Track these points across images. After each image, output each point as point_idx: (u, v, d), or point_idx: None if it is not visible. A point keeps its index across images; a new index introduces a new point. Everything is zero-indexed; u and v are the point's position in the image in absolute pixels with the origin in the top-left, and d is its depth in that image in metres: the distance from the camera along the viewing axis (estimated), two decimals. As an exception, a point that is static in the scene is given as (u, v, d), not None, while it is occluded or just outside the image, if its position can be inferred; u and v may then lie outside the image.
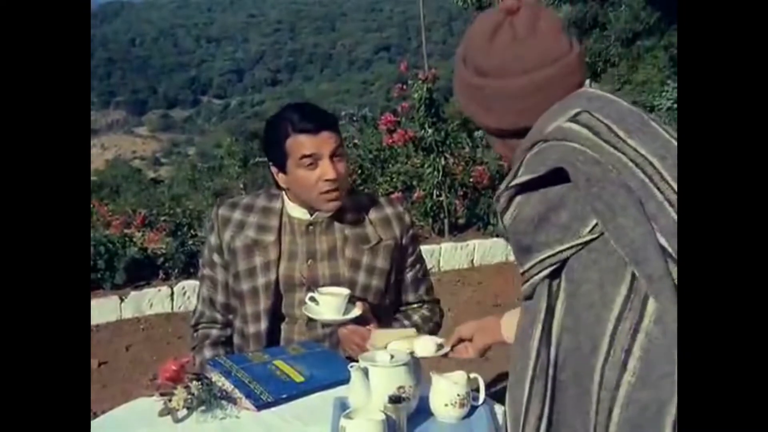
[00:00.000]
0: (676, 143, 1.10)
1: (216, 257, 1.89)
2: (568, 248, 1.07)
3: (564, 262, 1.09)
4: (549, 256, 1.09)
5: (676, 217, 1.04)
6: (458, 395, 1.48)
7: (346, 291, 1.75)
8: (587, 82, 1.22)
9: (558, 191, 1.10)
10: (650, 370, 1.01)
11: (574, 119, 1.14)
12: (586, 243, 1.06)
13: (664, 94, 7.58)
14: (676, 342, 0.98)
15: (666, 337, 1.00)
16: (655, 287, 1.01)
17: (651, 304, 1.02)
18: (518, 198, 1.14)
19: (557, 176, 1.10)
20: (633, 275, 1.03)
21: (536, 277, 1.12)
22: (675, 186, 1.05)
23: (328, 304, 1.73)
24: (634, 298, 1.03)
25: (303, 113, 1.77)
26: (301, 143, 1.74)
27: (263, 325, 1.82)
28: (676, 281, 1.02)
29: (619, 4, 9.37)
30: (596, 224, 1.06)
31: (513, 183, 1.14)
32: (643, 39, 9.25)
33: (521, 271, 1.15)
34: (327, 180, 1.75)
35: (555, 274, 1.10)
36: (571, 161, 1.09)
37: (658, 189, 1.06)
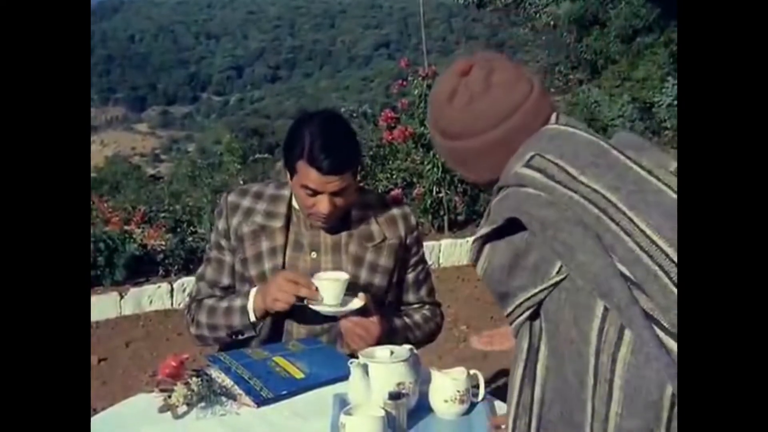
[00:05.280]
0: (636, 168, 1.13)
1: (223, 242, 1.89)
2: (540, 290, 1.10)
3: (541, 303, 1.11)
4: (525, 300, 1.12)
5: (633, 245, 1.06)
6: (458, 391, 1.48)
7: (345, 275, 1.74)
8: (554, 115, 1.24)
9: (523, 237, 1.13)
10: (634, 399, 1.02)
11: (528, 164, 1.16)
12: (557, 283, 1.09)
13: (664, 90, 7.58)
14: (659, 367, 0.99)
15: (646, 365, 1.01)
16: (625, 316, 1.03)
17: (627, 334, 1.03)
18: (486, 249, 1.18)
19: (519, 222, 1.13)
20: (605, 308, 1.05)
21: (519, 320, 1.15)
22: (631, 215, 1.07)
23: (327, 290, 1.72)
24: (609, 328, 1.04)
25: (323, 147, 1.68)
26: (306, 174, 1.70)
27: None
28: (644, 306, 1.03)
29: (619, 0, 9.36)
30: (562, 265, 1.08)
31: (477, 235, 1.18)
32: (643, 36, 9.25)
33: (505, 314, 1.18)
34: (319, 213, 1.75)
35: (536, 315, 1.13)
36: (525, 209, 1.12)
37: (613, 220, 1.08)
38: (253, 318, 1.79)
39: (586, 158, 1.15)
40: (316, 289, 1.70)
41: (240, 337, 1.82)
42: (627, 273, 1.05)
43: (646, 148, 1.21)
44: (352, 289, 1.80)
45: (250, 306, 1.78)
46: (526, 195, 1.14)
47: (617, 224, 1.07)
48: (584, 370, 1.06)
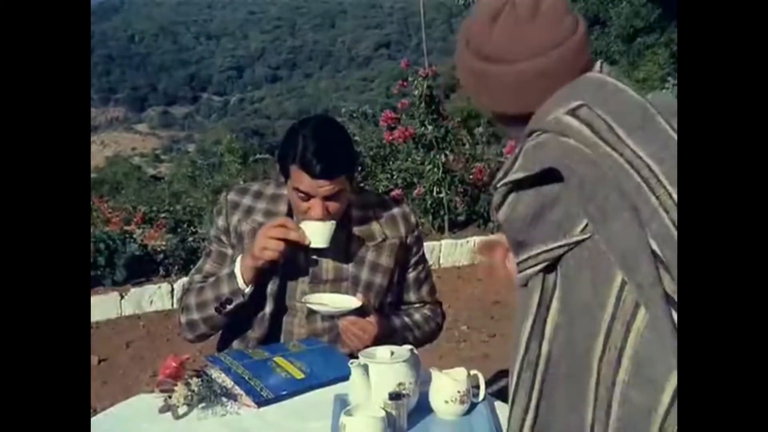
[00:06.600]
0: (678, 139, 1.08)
1: (223, 237, 1.89)
2: (560, 246, 1.07)
3: (558, 258, 1.08)
4: (543, 252, 1.09)
5: (669, 222, 1.02)
6: (458, 392, 1.48)
7: (332, 220, 1.73)
8: (598, 63, 1.18)
9: (552, 189, 1.08)
10: (640, 371, 1.01)
11: (574, 113, 1.10)
12: (579, 242, 1.06)
13: (664, 90, 7.59)
14: (670, 351, 0.98)
15: (658, 344, 1.00)
16: (645, 295, 1.01)
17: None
18: (512, 195, 1.13)
19: (552, 171, 1.08)
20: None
21: (530, 270, 1.11)
22: (671, 190, 1.03)
23: (315, 232, 1.71)
24: (627, 297, 1.02)
25: (316, 150, 1.67)
26: (298, 178, 1.71)
27: (268, 308, 1.82)
28: (667, 287, 1.01)
29: (620, 0, 9.37)
30: (587, 224, 1.05)
31: (506, 180, 1.12)
32: (643, 36, 9.26)
33: (516, 261, 1.14)
34: (312, 218, 1.74)
35: (550, 269, 1.10)
36: (566, 162, 1.07)
37: (654, 193, 1.04)
38: (240, 281, 1.77)
39: (634, 120, 1.09)
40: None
41: (228, 307, 1.79)
42: (657, 250, 1.02)
43: None
44: (352, 288, 1.81)
45: (237, 270, 1.77)
46: (569, 147, 1.08)
47: (657, 197, 1.03)
48: (594, 334, 1.04)
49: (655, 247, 1.02)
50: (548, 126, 1.12)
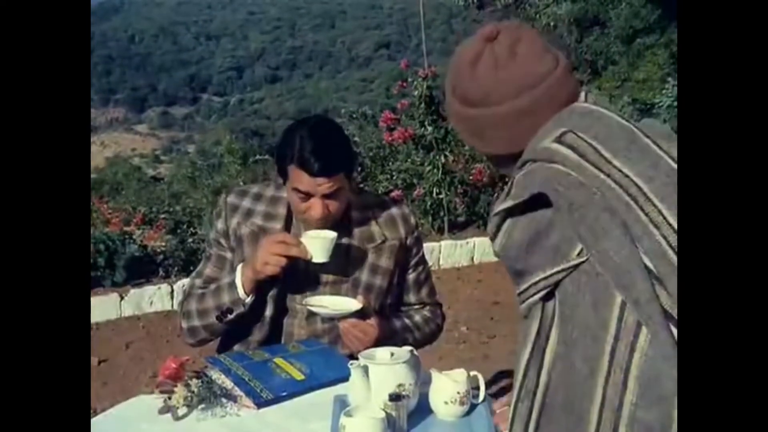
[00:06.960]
0: (667, 158, 1.10)
1: (223, 240, 1.89)
2: (559, 271, 1.08)
3: (557, 284, 1.09)
4: (542, 279, 1.10)
5: (660, 238, 1.04)
6: (458, 393, 1.48)
7: (333, 233, 1.73)
8: (582, 94, 1.21)
9: (545, 214, 1.10)
10: (647, 391, 1.01)
11: (559, 140, 1.13)
12: (577, 266, 1.07)
13: (664, 91, 7.59)
14: (674, 365, 0.98)
15: (661, 360, 1.00)
16: (643, 312, 1.02)
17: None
18: (506, 224, 1.15)
19: (544, 198, 1.10)
20: None
21: (531, 299, 1.12)
22: (661, 207, 1.05)
23: (315, 246, 1.71)
24: (628, 317, 1.03)
25: (313, 149, 1.68)
26: (297, 178, 1.71)
27: (268, 311, 1.82)
28: (664, 303, 1.02)
29: (620, 1, 9.38)
30: (583, 248, 1.06)
31: (499, 209, 1.15)
32: (643, 36, 9.27)
33: (517, 292, 1.16)
34: (312, 217, 1.74)
35: (549, 297, 1.11)
36: (554, 186, 1.09)
37: (643, 210, 1.06)
38: (241, 292, 1.77)
39: (619, 142, 1.12)
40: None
41: (229, 316, 1.79)
42: (651, 266, 1.03)
43: (675, 138, 1.16)
44: (353, 290, 1.81)
45: (237, 280, 1.77)
46: (556, 172, 1.10)
47: (646, 215, 1.05)
48: (596, 357, 1.04)
49: (648, 263, 1.04)
50: (536, 155, 1.15)
